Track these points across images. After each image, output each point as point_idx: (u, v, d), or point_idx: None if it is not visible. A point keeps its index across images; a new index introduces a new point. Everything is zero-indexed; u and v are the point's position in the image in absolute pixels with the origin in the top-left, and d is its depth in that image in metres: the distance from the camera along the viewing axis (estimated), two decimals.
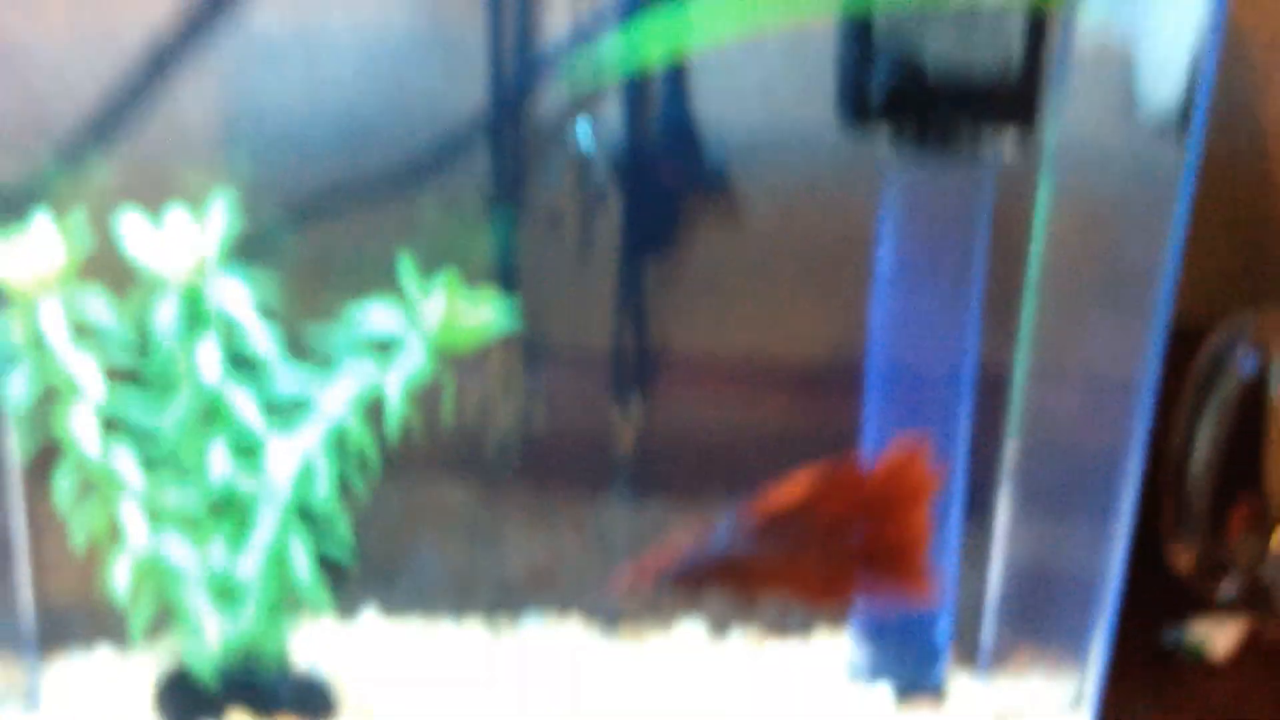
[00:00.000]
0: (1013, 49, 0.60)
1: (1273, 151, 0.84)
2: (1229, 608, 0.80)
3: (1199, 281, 0.83)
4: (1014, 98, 0.61)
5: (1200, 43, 0.55)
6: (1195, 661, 0.80)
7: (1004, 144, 0.63)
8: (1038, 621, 0.71)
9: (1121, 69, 0.60)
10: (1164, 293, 0.59)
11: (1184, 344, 0.75)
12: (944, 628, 0.72)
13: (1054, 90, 0.62)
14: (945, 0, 0.59)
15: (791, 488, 0.59)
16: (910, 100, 0.60)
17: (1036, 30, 0.60)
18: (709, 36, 0.65)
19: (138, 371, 0.61)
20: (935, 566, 0.59)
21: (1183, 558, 0.79)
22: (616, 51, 0.67)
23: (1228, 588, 0.80)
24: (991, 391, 0.69)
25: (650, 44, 0.60)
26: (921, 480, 0.58)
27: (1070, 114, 0.63)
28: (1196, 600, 0.81)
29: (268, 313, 0.62)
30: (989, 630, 0.73)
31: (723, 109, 0.74)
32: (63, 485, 0.61)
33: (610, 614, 0.77)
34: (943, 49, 0.60)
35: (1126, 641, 0.78)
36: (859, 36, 0.61)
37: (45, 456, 0.63)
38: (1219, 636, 0.80)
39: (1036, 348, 0.68)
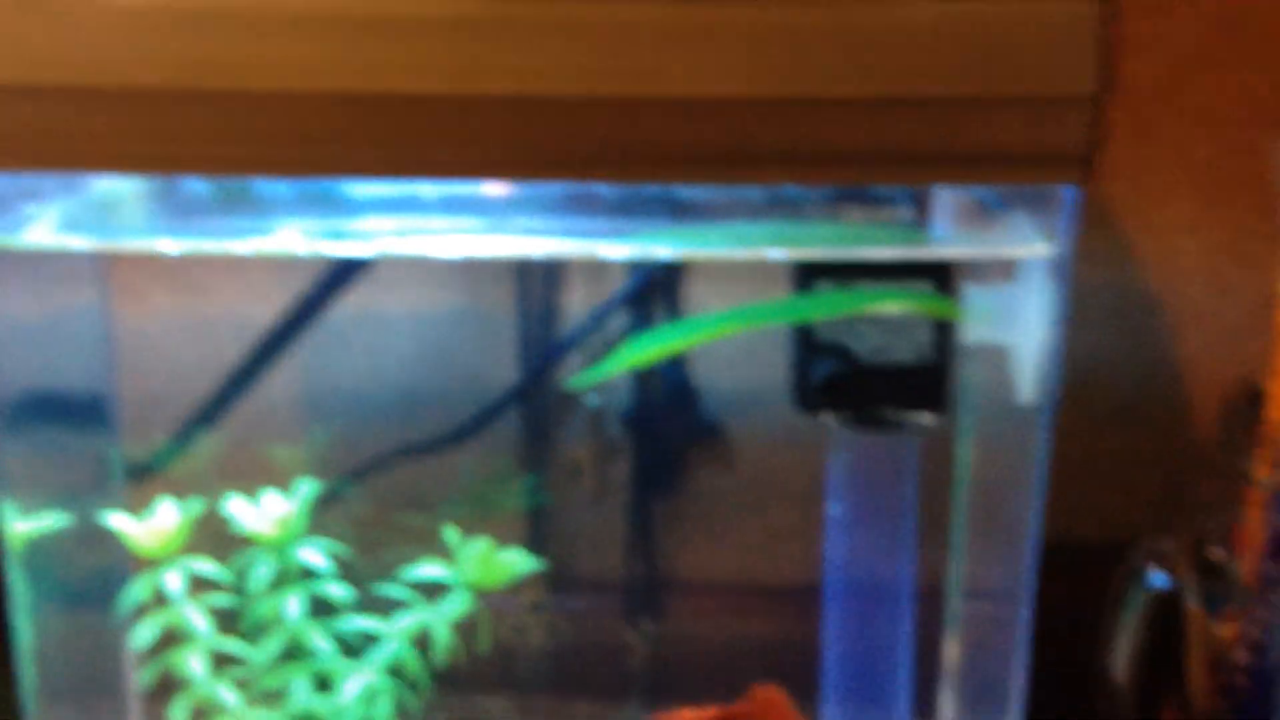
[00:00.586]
0: (924, 346, 0.75)
1: (1186, 394, 0.97)
2: None
3: (1125, 507, 0.97)
4: (928, 386, 0.75)
5: (1051, 335, 0.68)
6: None
7: (923, 418, 0.77)
8: None
9: (1001, 358, 0.72)
10: (1035, 519, 0.72)
11: (1110, 563, 0.88)
12: None
13: (958, 375, 0.76)
14: (867, 312, 0.73)
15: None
16: (844, 391, 0.75)
17: (942, 333, 0.74)
18: (696, 341, 0.80)
19: (238, 616, 0.77)
20: None
21: None
22: (619, 348, 0.82)
23: None
24: (927, 601, 0.82)
25: (647, 349, 0.75)
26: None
27: (971, 391, 0.77)
28: None
29: (340, 567, 0.77)
30: None
31: (710, 383, 0.90)
32: (178, 714, 0.76)
33: None
34: (868, 349, 0.75)
35: None
36: (802, 343, 0.76)
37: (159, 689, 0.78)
38: None
39: (963, 565, 0.81)
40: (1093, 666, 0.88)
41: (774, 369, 0.89)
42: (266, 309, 0.85)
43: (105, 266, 0.76)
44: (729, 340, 0.88)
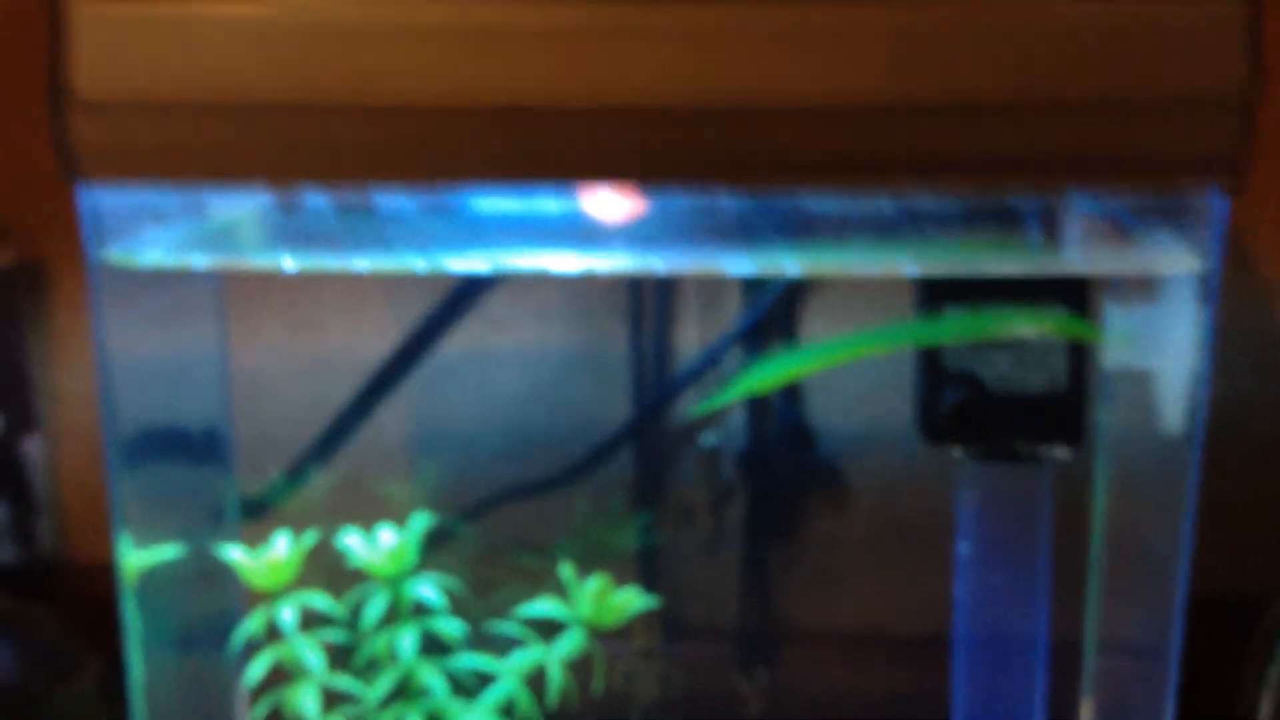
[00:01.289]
0: (1058, 373, 0.72)
1: None
2: None
3: (1265, 556, 0.93)
4: (1064, 415, 0.72)
5: (1198, 355, 0.64)
6: None
7: (1059, 451, 0.74)
8: None
9: (1143, 384, 0.69)
10: (1183, 564, 0.68)
11: (1254, 611, 0.84)
12: None
13: (1098, 403, 0.73)
14: (1000, 336, 0.71)
15: None
16: (974, 421, 0.72)
17: (1078, 357, 0.71)
18: (820, 366, 0.79)
19: (351, 653, 0.76)
20: None
21: None
22: (739, 375, 0.81)
23: None
24: (1062, 653, 0.79)
25: (767, 375, 0.73)
26: None
27: (1111, 420, 0.74)
28: None
29: (454, 604, 0.76)
30: None
31: (829, 420, 0.88)
32: None
33: None
34: (1000, 377, 0.72)
35: None
36: (930, 371, 0.73)
37: None
38: None
39: (1101, 613, 0.78)
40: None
41: (897, 403, 0.87)
42: (380, 345, 0.85)
43: (223, 296, 0.76)
44: (849, 374, 0.87)
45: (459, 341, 0.87)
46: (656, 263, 0.67)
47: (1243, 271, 0.89)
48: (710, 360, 0.86)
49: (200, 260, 0.67)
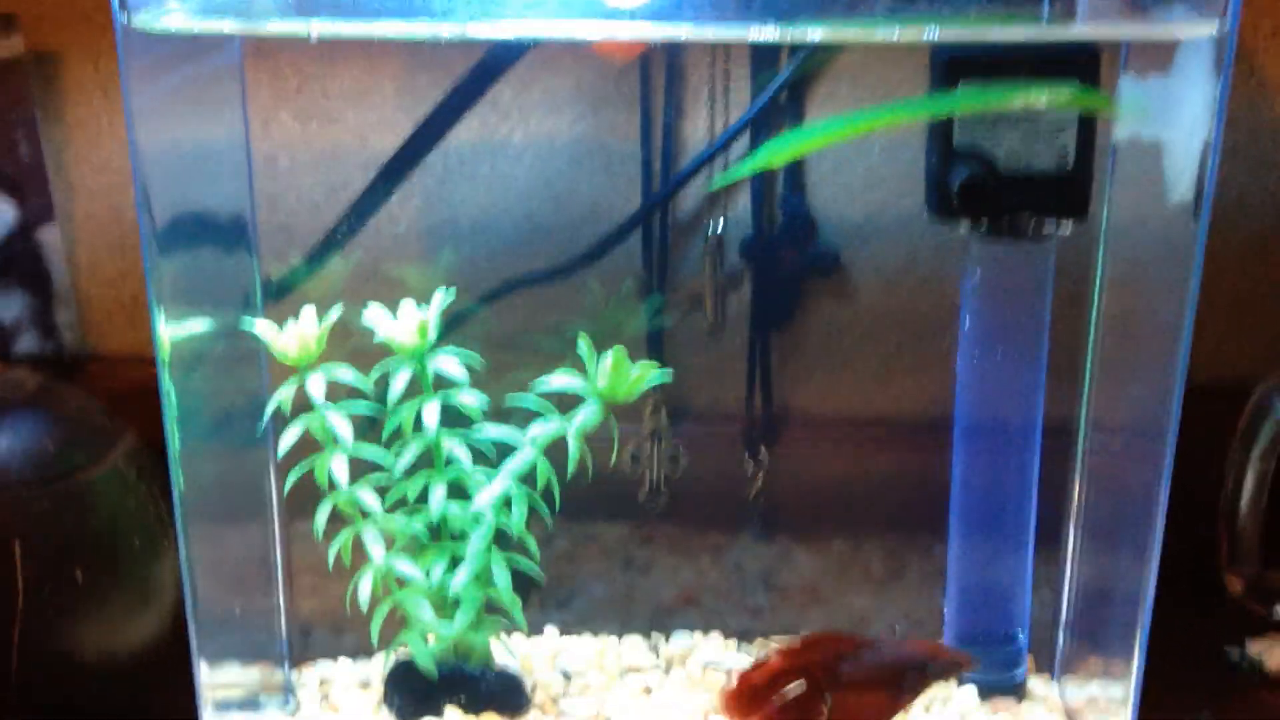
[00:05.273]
0: (1067, 149, 0.73)
1: None
2: None
3: (1251, 345, 0.96)
4: (1072, 190, 0.74)
5: (1210, 124, 0.65)
6: (1254, 674, 0.91)
7: (1063, 226, 0.76)
8: (1097, 634, 0.82)
9: (1153, 159, 0.71)
10: (1184, 341, 0.69)
11: (1235, 399, 0.87)
12: (1023, 639, 0.85)
13: (1102, 179, 0.74)
14: (1014, 110, 0.71)
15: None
16: (984, 199, 0.74)
17: (1087, 132, 0.72)
18: (836, 138, 0.79)
19: (376, 426, 0.78)
20: None
21: (1237, 585, 0.90)
22: (746, 157, 0.81)
23: None
24: (1056, 436, 0.82)
25: (782, 148, 0.73)
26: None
27: (1116, 198, 0.75)
28: (1257, 622, 0.92)
29: (475, 378, 0.78)
30: (1061, 641, 0.85)
31: (834, 206, 0.89)
32: (321, 518, 0.78)
33: (743, 631, 0.91)
34: (1010, 153, 0.73)
35: (1195, 658, 0.90)
36: (939, 149, 0.74)
37: (294, 498, 0.80)
38: (1274, 653, 0.92)
39: (1094, 396, 0.81)
40: (1218, 504, 0.88)
41: (901, 188, 0.89)
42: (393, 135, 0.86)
43: (243, 78, 0.76)
44: (853, 161, 0.88)
45: (471, 132, 0.88)
46: (679, 30, 0.67)
47: (1241, 71, 0.90)
48: (721, 144, 0.86)
49: (226, 25, 0.67)
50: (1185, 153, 0.67)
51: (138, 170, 0.68)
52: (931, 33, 0.65)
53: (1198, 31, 0.63)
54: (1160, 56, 0.66)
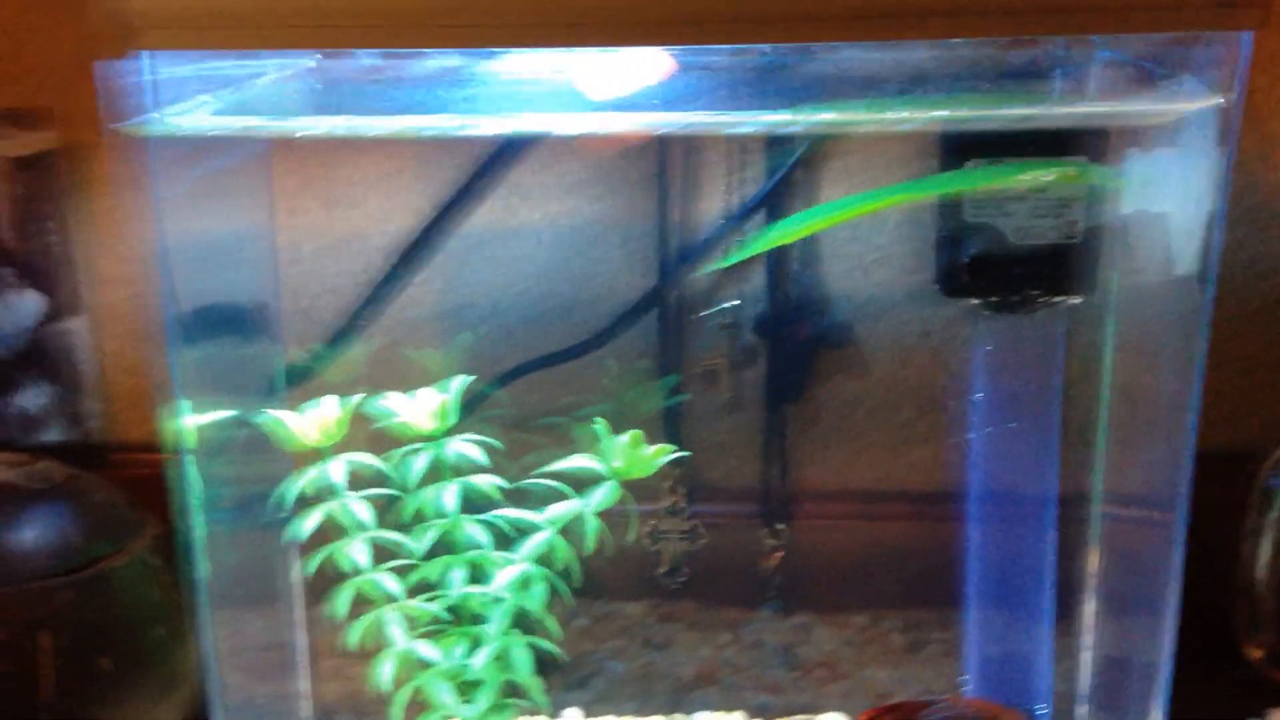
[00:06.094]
0: (1075, 224, 0.74)
1: None
2: None
3: (1264, 409, 0.96)
4: (1078, 263, 0.75)
5: (1215, 196, 0.66)
6: None
7: (1071, 301, 0.77)
8: (1118, 705, 0.82)
9: (1161, 229, 0.71)
10: (1193, 408, 0.70)
11: (1249, 464, 0.87)
12: (1046, 712, 0.85)
13: (1110, 251, 0.75)
14: (1020, 186, 0.72)
15: None
16: (993, 274, 0.75)
17: (1094, 207, 0.74)
18: (845, 217, 0.80)
19: (397, 510, 0.79)
20: None
21: (1256, 654, 0.89)
22: (760, 236, 0.82)
23: None
24: (1069, 505, 0.82)
25: (787, 230, 0.75)
26: None
27: (1124, 268, 0.75)
28: (1277, 691, 0.91)
29: (493, 458, 0.79)
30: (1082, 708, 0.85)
31: (845, 282, 0.90)
32: (341, 600, 0.78)
33: (763, 707, 0.91)
34: (1018, 229, 0.74)
35: None
36: (949, 225, 0.76)
37: (315, 583, 0.81)
38: None
39: (1107, 464, 0.81)
40: (1231, 572, 0.87)
41: (911, 266, 0.90)
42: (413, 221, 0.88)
43: (269, 170, 0.78)
44: (864, 238, 0.89)
45: (490, 215, 0.90)
46: (680, 119, 0.69)
47: (1252, 137, 0.91)
48: (735, 221, 0.88)
49: (249, 123, 0.69)
50: (1192, 222, 0.68)
51: (162, 261, 0.70)
52: (939, 115, 0.66)
53: (1204, 103, 0.64)
54: (1167, 129, 0.67)
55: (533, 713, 0.84)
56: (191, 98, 0.69)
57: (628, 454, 0.78)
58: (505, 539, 0.80)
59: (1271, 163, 0.91)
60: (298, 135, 0.69)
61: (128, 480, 0.88)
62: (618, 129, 0.70)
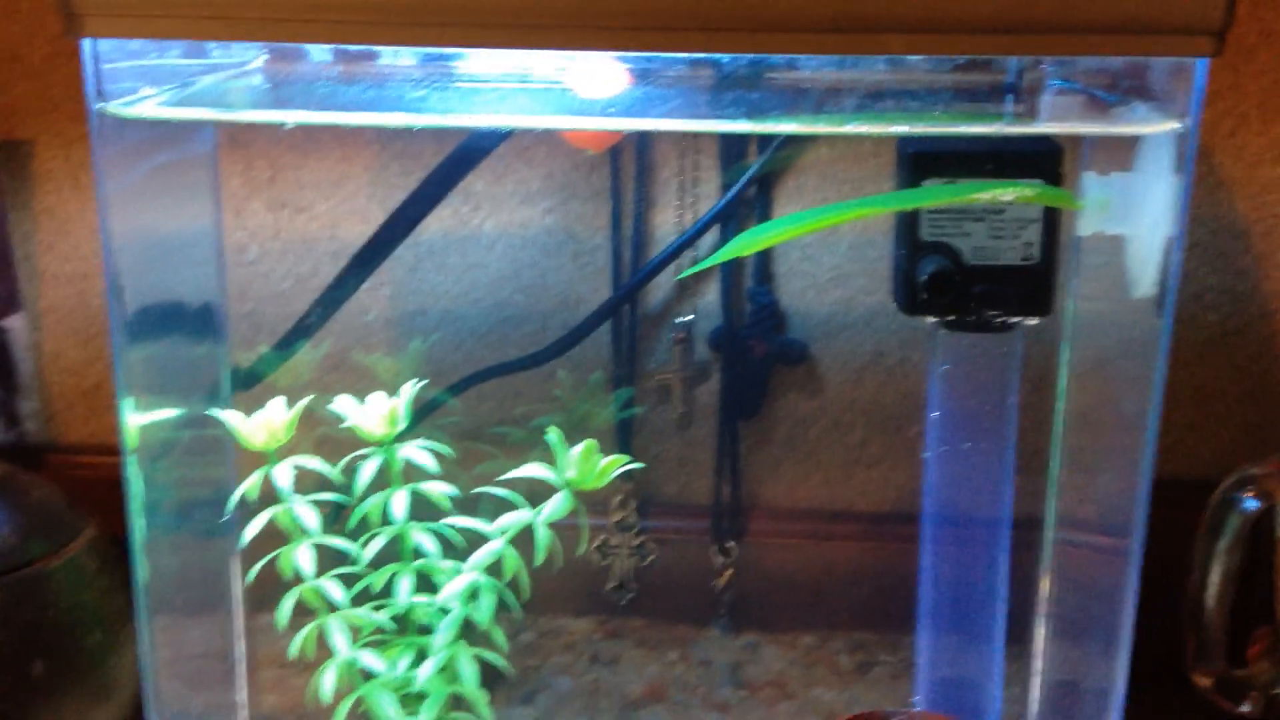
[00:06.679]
0: (1032, 244, 0.74)
1: (1276, 326, 0.97)
2: None
3: (1213, 439, 0.97)
4: (1035, 283, 0.74)
5: (1173, 220, 0.66)
6: None
7: (1027, 322, 0.77)
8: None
9: (1117, 253, 0.71)
10: (1150, 433, 0.70)
11: (1201, 493, 0.88)
12: None
13: (1067, 273, 0.75)
14: (979, 207, 0.72)
15: None
16: (950, 294, 0.74)
17: (1052, 228, 0.73)
18: (804, 231, 0.79)
19: (343, 516, 0.78)
20: None
21: (1205, 681, 0.89)
22: (716, 250, 0.82)
23: (1249, 707, 0.90)
24: (1023, 527, 0.82)
25: (743, 245, 0.74)
26: None
27: (1081, 291, 0.76)
28: (1226, 719, 0.91)
29: (443, 468, 0.78)
30: None
31: (801, 300, 0.90)
32: (285, 608, 0.77)
33: None
34: (976, 249, 0.74)
35: None
36: (907, 244, 0.75)
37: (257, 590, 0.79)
38: None
39: (1061, 488, 0.81)
40: (1184, 597, 0.87)
41: (867, 285, 0.90)
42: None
43: (216, 169, 0.77)
44: (820, 256, 0.89)
45: (442, 222, 0.89)
46: (650, 124, 0.69)
47: (1201, 169, 0.92)
48: (691, 236, 0.87)
49: (200, 113, 0.68)
50: (1148, 247, 0.68)
51: (109, 257, 0.68)
52: (895, 129, 0.67)
53: (1161, 127, 0.64)
54: (1122, 153, 0.68)
55: None
56: (135, 92, 0.68)
57: (581, 465, 0.76)
58: (454, 548, 0.79)
59: (1219, 197, 0.92)
60: (243, 123, 0.68)
61: (66, 481, 0.86)
62: (570, 129, 0.70)
